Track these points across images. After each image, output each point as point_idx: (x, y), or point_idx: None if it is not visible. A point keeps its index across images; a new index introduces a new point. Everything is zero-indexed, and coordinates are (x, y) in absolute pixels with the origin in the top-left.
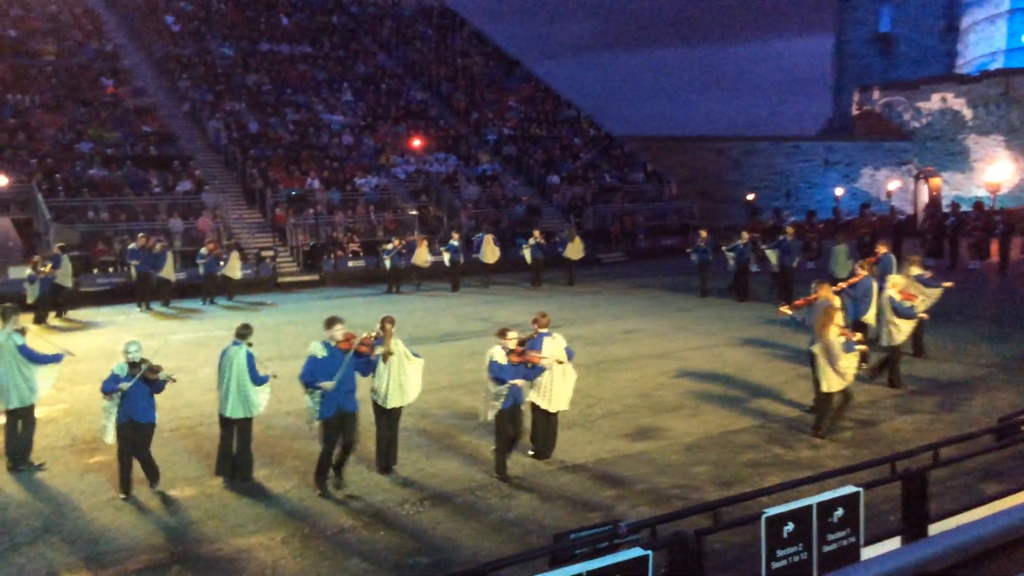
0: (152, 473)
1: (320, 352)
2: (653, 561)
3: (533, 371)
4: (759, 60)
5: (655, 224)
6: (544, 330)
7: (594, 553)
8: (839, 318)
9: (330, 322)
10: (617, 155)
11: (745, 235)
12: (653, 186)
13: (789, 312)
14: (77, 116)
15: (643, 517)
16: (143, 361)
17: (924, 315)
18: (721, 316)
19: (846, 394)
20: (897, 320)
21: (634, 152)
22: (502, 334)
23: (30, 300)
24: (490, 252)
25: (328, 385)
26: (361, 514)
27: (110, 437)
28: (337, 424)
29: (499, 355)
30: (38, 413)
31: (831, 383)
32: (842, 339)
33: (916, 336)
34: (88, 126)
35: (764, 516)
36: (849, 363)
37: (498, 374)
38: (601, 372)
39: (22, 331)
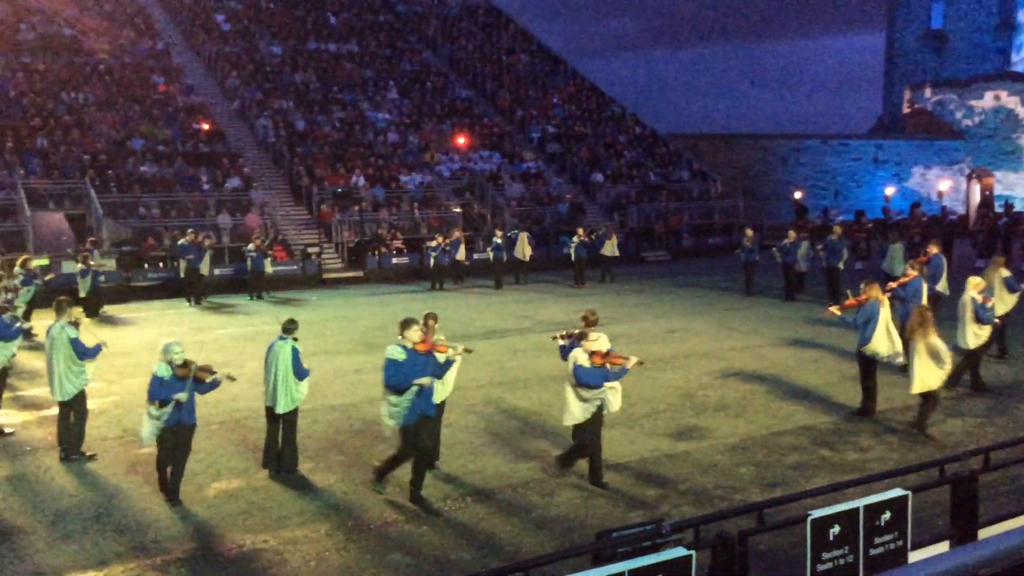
0: (177, 484)
1: (399, 355)
2: (696, 561)
3: (618, 374)
4: (808, 57)
5: (700, 223)
6: (591, 328)
7: (637, 552)
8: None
9: (405, 324)
10: (662, 153)
11: (792, 234)
12: (698, 184)
13: (838, 313)
14: (129, 114)
15: (686, 517)
16: (189, 362)
17: (997, 320)
18: (766, 316)
19: (934, 394)
20: (976, 326)
21: (679, 150)
22: (582, 336)
23: (82, 294)
24: (525, 249)
25: (426, 381)
26: (404, 509)
27: (151, 441)
28: (415, 429)
29: (582, 359)
30: (89, 405)
31: (928, 380)
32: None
33: (999, 337)
34: (140, 123)
35: (810, 518)
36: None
37: (586, 379)
38: (644, 371)
39: (75, 324)
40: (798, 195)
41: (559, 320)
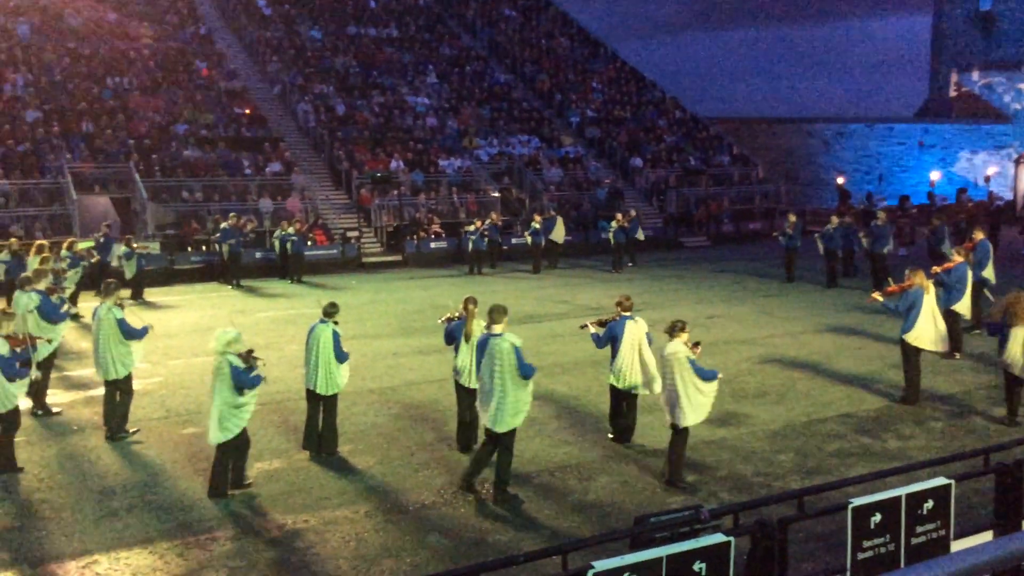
0: (241, 475)
1: (519, 343)
2: (735, 548)
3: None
4: (853, 39)
5: (741, 208)
6: (627, 313)
7: (675, 537)
8: None
9: (503, 311)
10: (702, 137)
11: (835, 219)
12: (739, 169)
13: (880, 299)
14: (173, 98)
15: (724, 504)
16: (250, 352)
17: None
18: (808, 302)
19: None
20: None
21: (720, 134)
22: (681, 328)
23: (128, 276)
24: (560, 233)
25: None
26: (442, 491)
27: (229, 436)
28: None
29: (687, 351)
30: (134, 386)
31: None
32: None
33: None
34: (183, 108)
35: (851, 506)
36: None
37: (707, 375)
38: None
39: (121, 306)
40: (841, 180)
41: (597, 305)
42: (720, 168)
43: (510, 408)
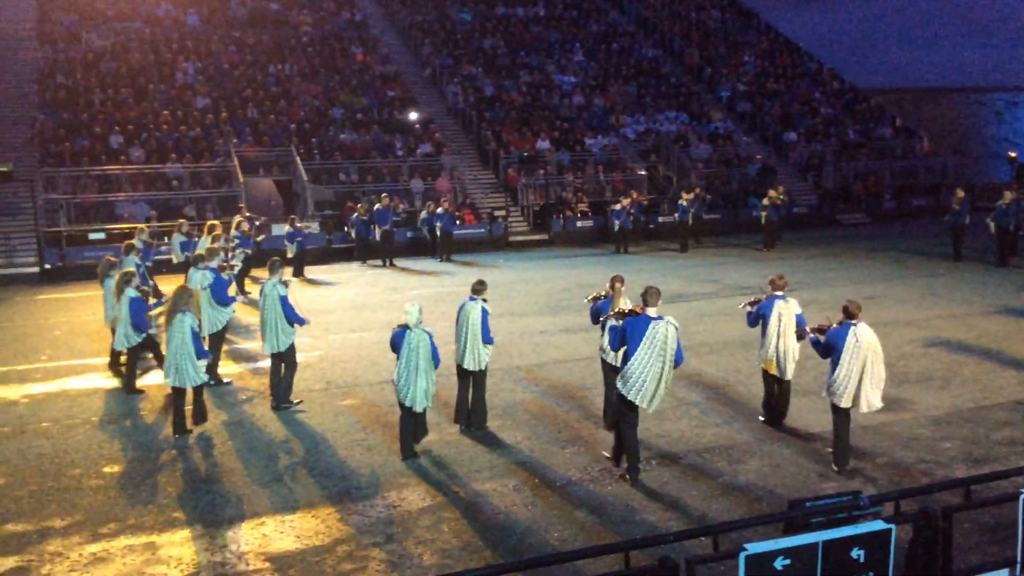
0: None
1: None
2: (895, 536)
3: None
4: None
5: (903, 183)
6: (779, 292)
7: (832, 523)
8: None
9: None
10: (862, 109)
11: (1008, 195)
12: (902, 142)
13: None
14: (330, 83)
15: (884, 491)
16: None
17: None
18: (976, 283)
19: None
20: None
21: (881, 105)
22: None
23: (290, 255)
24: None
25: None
26: (588, 469)
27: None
28: None
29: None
30: (297, 358)
31: None
32: None
33: None
34: (339, 93)
35: (1022, 496)
36: None
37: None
38: None
39: (286, 284)
40: (1013, 154)
41: (747, 284)
42: (881, 141)
43: (663, 390)
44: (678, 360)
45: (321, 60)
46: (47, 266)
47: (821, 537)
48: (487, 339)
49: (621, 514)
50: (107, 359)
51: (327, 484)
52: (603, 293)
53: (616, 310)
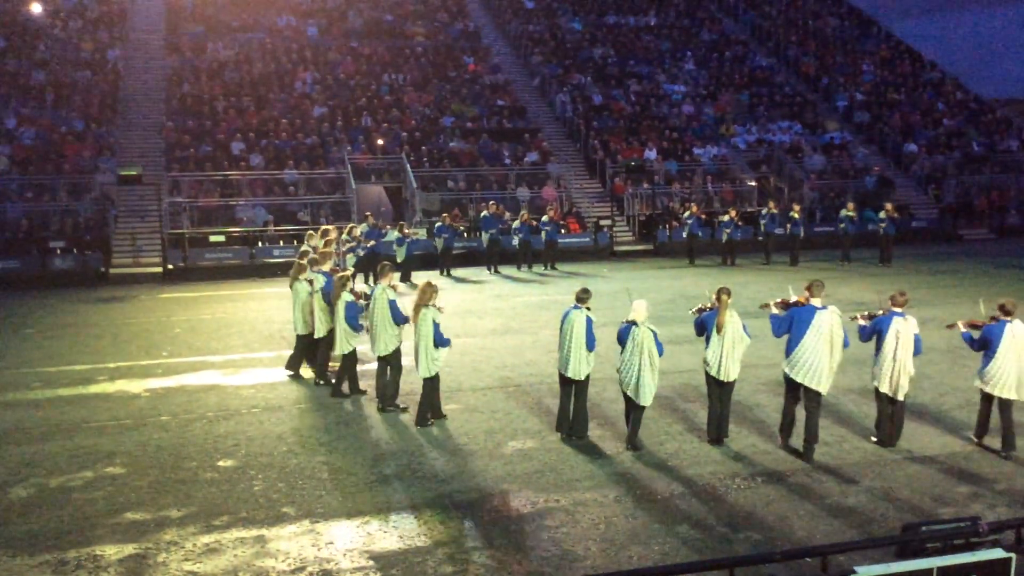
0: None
1: None
2: (1016, 565)
3: None
4: None
5: None
6: (898, 309)
7: (947, 549)
8: None
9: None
10: (987, 121)
11: None
12: None
13: None
14: (441, 92)
15: (1004, 518)
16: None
17: None
18: None
19: None
20: None
21: (1009, 116)
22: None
23: (399, 260)
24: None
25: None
26: (692, 483)
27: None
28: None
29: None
30: (403, 362)
31: None
32: None
33: None
34: (450, 102)
35: None
36: None
37: None
38: (956, 359)
39: (394, 288)
40: None
41: (860, 300)
42: (1007, 154)
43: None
44: (845, 343)
45: (433, 69)
46: (170, 266)
47: (936, 563)
48: (591, 347)
49: (723, 531)
50: (232, 356)
51: (430, 487)
52: (708, 305)
53: (779, 300)
